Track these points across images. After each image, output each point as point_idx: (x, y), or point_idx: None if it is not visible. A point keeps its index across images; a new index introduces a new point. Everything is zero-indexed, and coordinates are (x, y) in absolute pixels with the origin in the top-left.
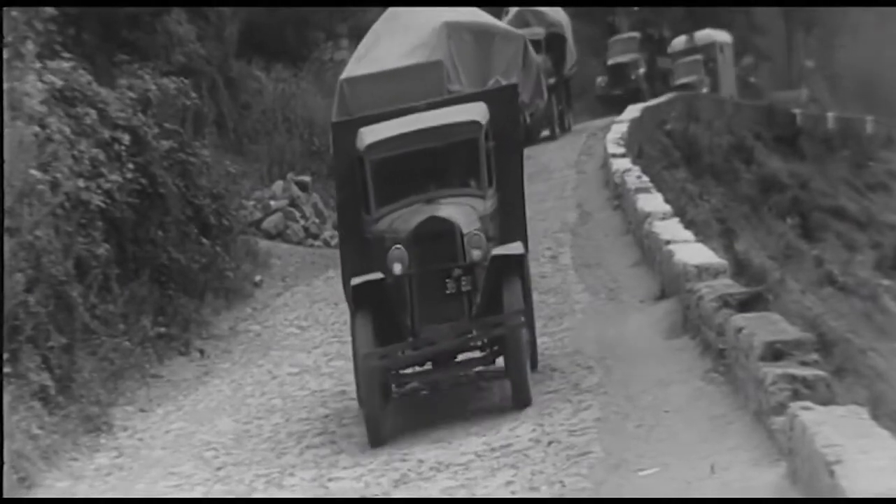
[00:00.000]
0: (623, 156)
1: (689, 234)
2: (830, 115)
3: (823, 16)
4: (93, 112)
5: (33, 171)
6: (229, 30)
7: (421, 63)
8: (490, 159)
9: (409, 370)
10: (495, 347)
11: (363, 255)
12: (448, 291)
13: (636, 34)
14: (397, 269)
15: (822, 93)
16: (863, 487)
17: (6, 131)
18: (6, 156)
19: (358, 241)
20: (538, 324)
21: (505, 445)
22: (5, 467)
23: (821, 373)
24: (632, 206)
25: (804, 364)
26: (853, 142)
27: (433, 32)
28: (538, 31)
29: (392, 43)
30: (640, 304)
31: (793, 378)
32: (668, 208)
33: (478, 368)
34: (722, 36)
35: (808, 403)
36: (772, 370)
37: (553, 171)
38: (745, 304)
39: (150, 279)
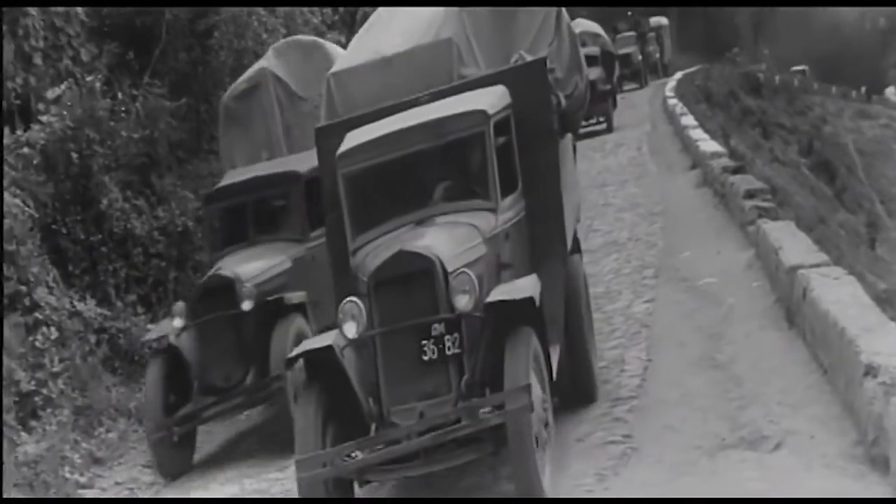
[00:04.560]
0: (673, 97)
1: (706, 136)
2: (777, 77)
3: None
4: None
5: None
6: None
7: (424, 44)
8: (509, 157)
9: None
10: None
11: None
12: (426, 358)
13: (633, 32)
14: (350, 330)
15: (773, 66)
16: (791, 259)
17: None
18: None
19: (351, 280)
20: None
21: None
22: None
23: (772, 205)
24: (678, 122)
25: (764, 200)
26: (788, 90)
27: (440, 11)
28: (594, 50)
29: (390, 28)
30: (682, 171)
31: (758, 207)
32: (695, 122)
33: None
34: (664, 21)
35: (766, 220)
36: (747, 202)
37: (637, 105)
38: (735, 171)
39: None
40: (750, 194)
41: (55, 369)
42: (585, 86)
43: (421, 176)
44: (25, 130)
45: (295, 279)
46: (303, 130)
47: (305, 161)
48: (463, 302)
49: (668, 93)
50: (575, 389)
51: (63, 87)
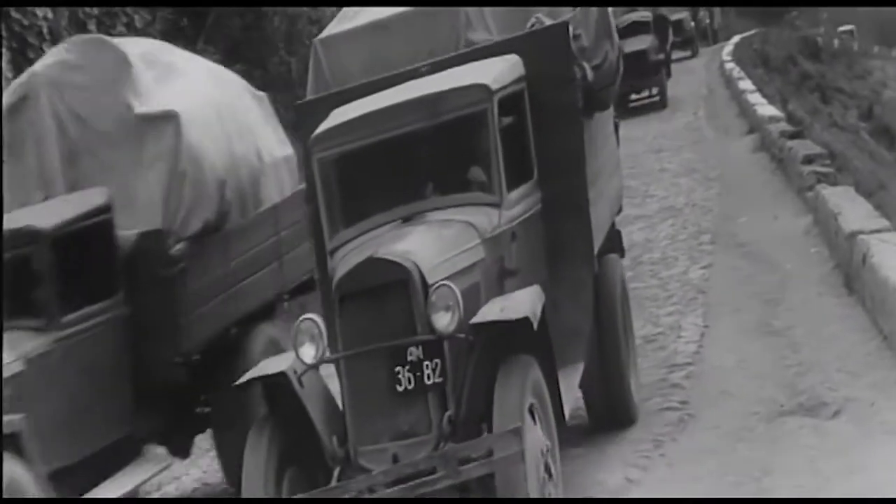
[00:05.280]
0: (730, 61)
1: (764, 100)
2: (836, 40)
3: None
4: None
5: None
6: None
7: (425, 9)
8: (522, 140)
9: None
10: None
11: None
12: (400, 388)
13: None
14: (307, 354)
15: (831, 29)
16: (850, 224)
17: None
18: None
19: (327, 288)
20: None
21: None
22: None
23: (831, 170)
24: (735, 86)
25: (823, 165)
26: (847, 54)
27: None
28: (646, 15)
29: None
30: (739, 136)
31: (816, 172)
32: (753, 86)
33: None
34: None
35: (824, 185)
36: (806, 167)
37: (693, 69)
38: (793, 136)
39: None
40: (808, 159)
41: None
42: (617, 56)
43: (411, 163)
44: None
45: (27, 391)
46: (96, 159)
47: (65, 208)
48: (444, 321)
49: (725, 57)
50: (609, 410)
51: None
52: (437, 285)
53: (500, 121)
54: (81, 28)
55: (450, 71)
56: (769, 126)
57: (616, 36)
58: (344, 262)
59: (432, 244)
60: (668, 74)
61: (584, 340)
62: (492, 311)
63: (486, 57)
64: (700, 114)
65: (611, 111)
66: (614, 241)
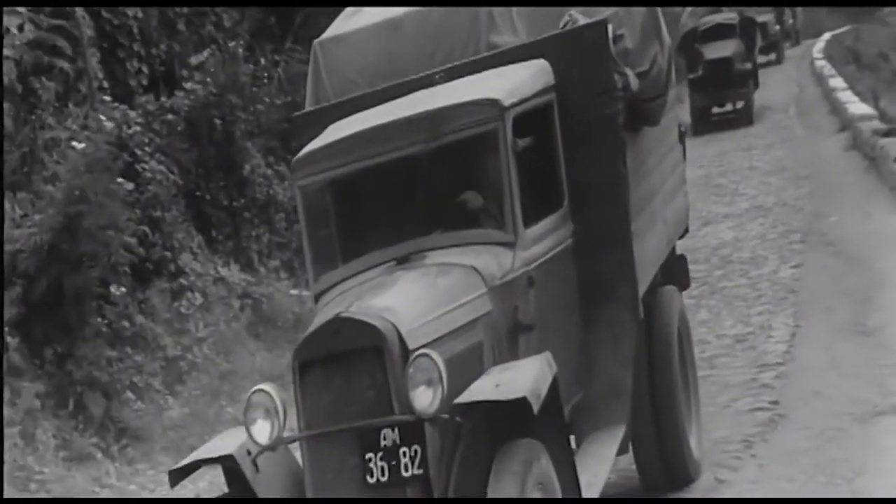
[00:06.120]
0: (821, 58)
1: (855, 98)
2: None
3: None
4: None
5: None
6: None
7: (440, 8)
8: (550, 161)
9: None
10: None
11: None
12: (372, 479)
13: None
14: (261, 433)
15: None
16: None
17: None
18: None
19: None
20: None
21: None
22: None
23: None
24: (826, 84)
25: None
26: None
27: None
28: (730, 17)
29: None
30: (830, 134)
31: None
32: (844, 84)
33: None
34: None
35: None
36: None
37: (783, 67)
38: (886, 134)
39: None
40: None
41: (200, 334)
42: (668, 61)
43: (409, 193)
44: (169, 97)
45: None
46: None
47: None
48: (424, 400)
49: (816, 54)
50: (665, 473)
51: (206, 53)
52: (416, 354)
53: (516, 142)
54: (171, 27)
55: (467, 79)
56: (860, 124)
57: (667, 37)
58: (321, 315)
59: (421, 297)
60: (756, 85)
61: (626, 399)
62: (484, 387)
63: (510, 62)
64: (790, 111)
65: (675, 117)
66: (675, 270)
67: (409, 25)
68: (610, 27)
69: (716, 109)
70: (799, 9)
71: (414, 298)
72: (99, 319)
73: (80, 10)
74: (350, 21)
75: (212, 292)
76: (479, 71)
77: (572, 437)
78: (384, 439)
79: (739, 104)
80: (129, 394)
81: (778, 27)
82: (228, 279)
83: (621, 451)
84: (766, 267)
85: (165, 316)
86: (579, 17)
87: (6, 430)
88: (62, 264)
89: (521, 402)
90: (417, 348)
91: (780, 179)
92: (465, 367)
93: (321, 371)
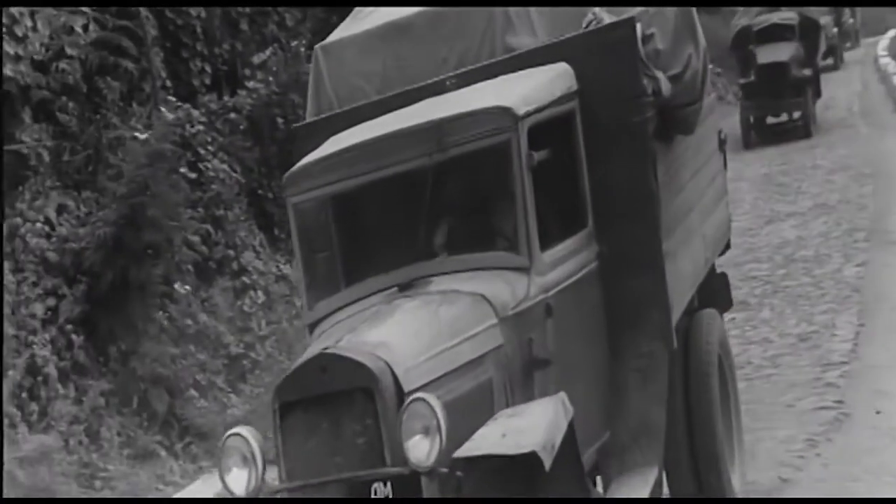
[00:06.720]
0: (885, 56)
1: None
2: None
3: None
4: None
5: None
6: None
7: (453, 8)
8: (572, 175)
9: None
10: None
11: None
12: None
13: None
14: (237, 483)
15: None
16: None
17: None
18: None
19: None
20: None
21: None
22: None
23: None
24: (890, 82)
25: None
26: None
27: None
28: (789, 17)
29: None
30: (894, 132)
31: None
32: None
33: None
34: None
35: None
36: None
37: (846, 64)
38: None
39: None
40: None
41: (262, 332)
42: (704, 63)
43: (415, 211)
44: (232, 96)
45: None
46: None
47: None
48: (420, 451)
49: (881, 52)
50: None
51: (268, 52)
52: (412, 398)
53: (532, 155)
54: (234, 27)
55: (481, 85)
56: None
57: (702, 39)
58: (310, 349)
59: (421, 329)
60: (818, 94)
61: (659, 439)
62: (489, 437)
63: (528, 66)
64: (854, 109)
65: (714, 124)
66: (715, 291)
67: (419, 27)
68: (638, 26)
69: (770, 120)
70: (858, 8)
71: (413, 331)
72: (163, 316)
73: (144, 10)
74: (357, 23)
75: (274, 290)
76: (494, 76)
77: (598, 479)
78: (375, 494)
79: (795, 115)
80: (193, 391)
81: (836, 29)
82: (290, 277)
83: (654, 494)
84: (829, 265)
85: (228, 314)
86: (604, 15)
87: (72, 428)
88: (127, 257)
89: (529, 458)
90: (414, 390)
91: (843, 177)
92: (472, 410)
93: (305, 414)
